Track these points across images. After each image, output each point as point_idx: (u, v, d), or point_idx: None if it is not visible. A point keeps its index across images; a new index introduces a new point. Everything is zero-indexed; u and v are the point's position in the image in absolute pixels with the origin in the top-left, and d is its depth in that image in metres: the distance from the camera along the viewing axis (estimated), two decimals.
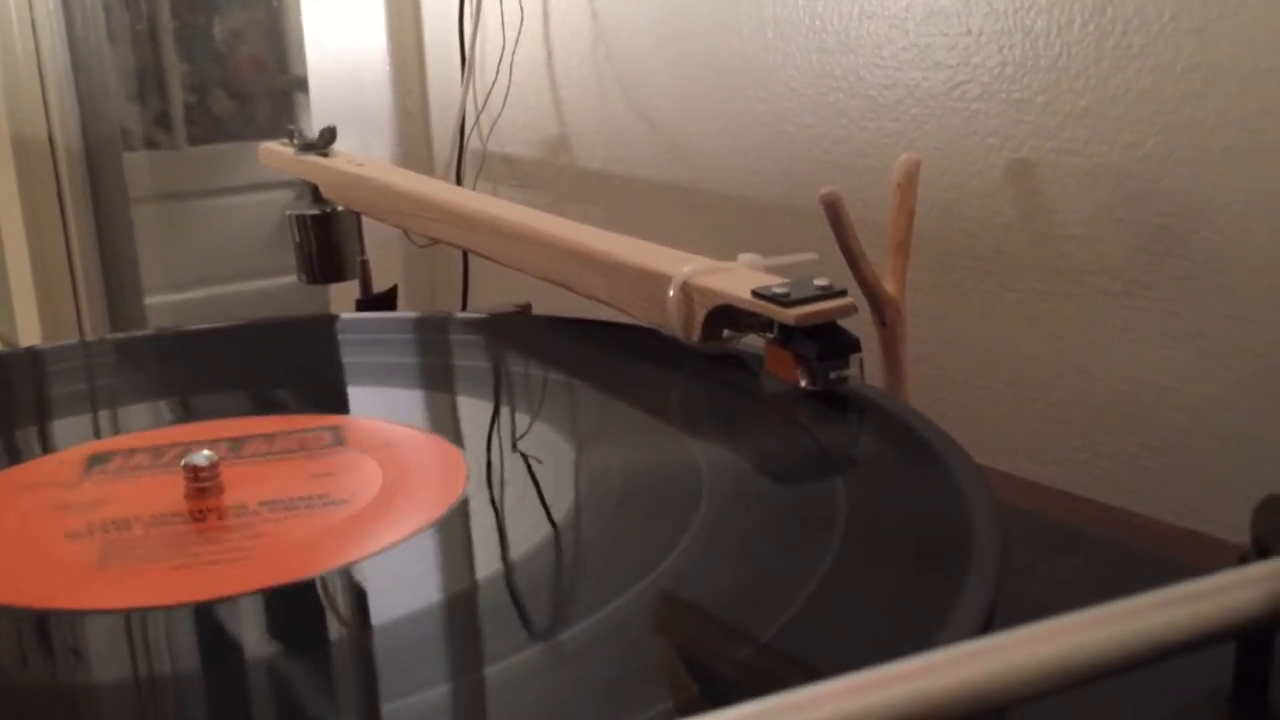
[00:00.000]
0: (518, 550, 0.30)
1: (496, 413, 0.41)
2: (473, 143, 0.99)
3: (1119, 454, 0.55)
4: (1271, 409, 0.49)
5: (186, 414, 0.42)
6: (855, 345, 0.38)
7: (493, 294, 0.94)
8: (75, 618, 0.27)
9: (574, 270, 0.49)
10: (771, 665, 0.25)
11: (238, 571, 0.29)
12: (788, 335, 0.39)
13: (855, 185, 0.65)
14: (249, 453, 0.36)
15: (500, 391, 0.44)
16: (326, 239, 0.70)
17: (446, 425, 0.40)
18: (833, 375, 0.38)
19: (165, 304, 1.73)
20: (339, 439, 0.37)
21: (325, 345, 0.51)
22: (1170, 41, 0.50)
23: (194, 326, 0.53)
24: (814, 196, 0.43)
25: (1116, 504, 0.42)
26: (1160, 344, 0.53)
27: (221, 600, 0.28)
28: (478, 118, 0.98)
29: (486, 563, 0.29)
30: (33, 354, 0.50)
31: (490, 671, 0.24)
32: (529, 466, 0.36)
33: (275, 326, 0.55)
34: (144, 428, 0.41)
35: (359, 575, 0.29)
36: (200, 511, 0.32)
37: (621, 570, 0.28)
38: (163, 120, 1.84)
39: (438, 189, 0.61)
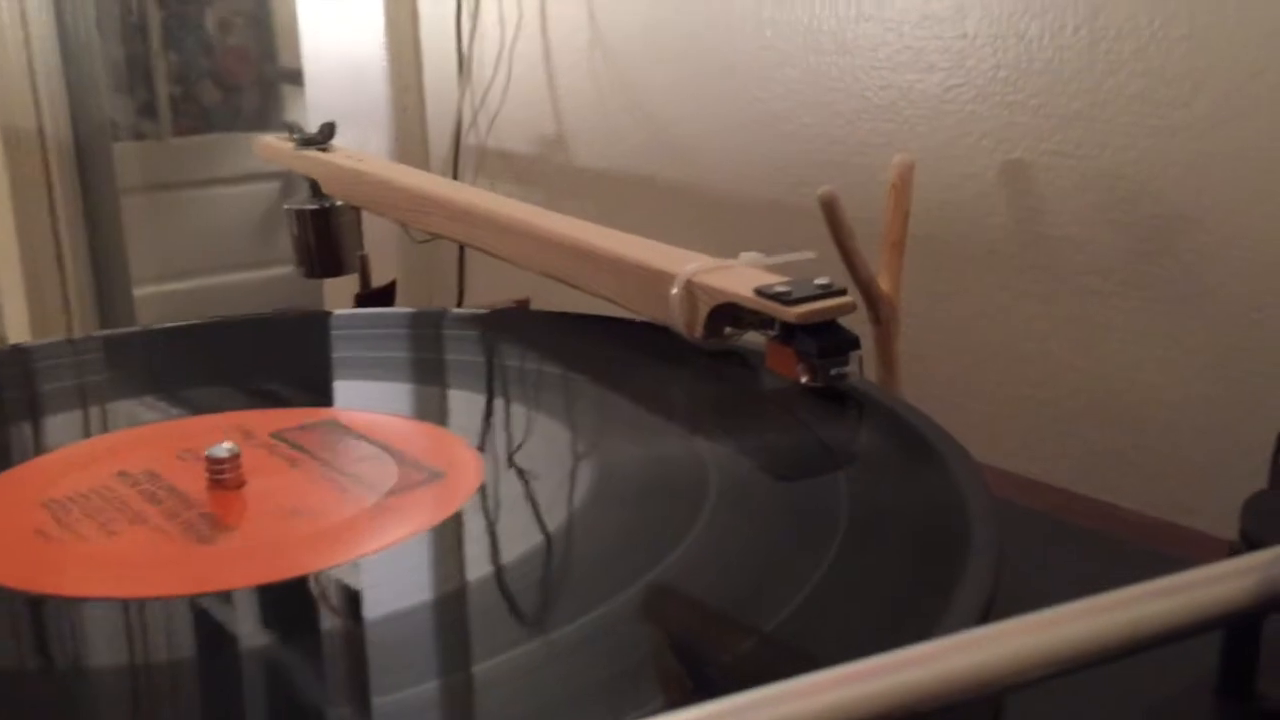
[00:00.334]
0: (528, 544, 0.31)
1: (507, 409, 0.42)
2: (469, 139, 1.00)
3: (1109, 450, 0.56)
4: (1253, 408, 0.50)
5: (192, 408, 0.43)
6: (855, 343, 0.39)
7: (489, 288, 0.95)
8: (75, 605, 0.28)
9: (577, 267, 0.49)
10: (773, 657, 0.25)
11: (241, 565, 0.29)
12: (789, 333, 0.40)
13: (851, 185, 0.66)
14: (259, 446, 0.37)
15: (502, 387, 0.45)
16: (325, 234, 0.70)
17: (457, 421, 0.40)
18: (833, 372, 0.39)
19: (154, 295, 1.73)
20: (345, 435, 0.38)
21: (341, 340, 0.51)
22: (1160, 48, 0.51)
23: (194, 321, 0.53)
24: (809, 195, 0.44)
25: (1106, 499, 0.44)
26: (1150, 343, 0.54)
27: (223, 593, 0.28)
28: (475, 115, 0.99)
29: (506, 551, 0.30)
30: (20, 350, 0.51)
31: (483, 668, 0.25)
32: (521, 474, 0.36)
33: (278, 323, 0.55)
34: (159, 420, 0.41)
35: (360, 572, 0.29)
36: (217, 502, 0.33)
37: (624, 565, 0.29)
38: (149, 110, 1.83)
39: (440, 185, 0.62)
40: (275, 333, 0.53)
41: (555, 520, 0.32)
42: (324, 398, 0.44)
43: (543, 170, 0.93)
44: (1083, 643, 0.21)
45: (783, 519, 0.32)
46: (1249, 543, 0.25)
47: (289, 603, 0.28)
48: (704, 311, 0.43)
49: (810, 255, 0.45)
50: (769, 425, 0.39)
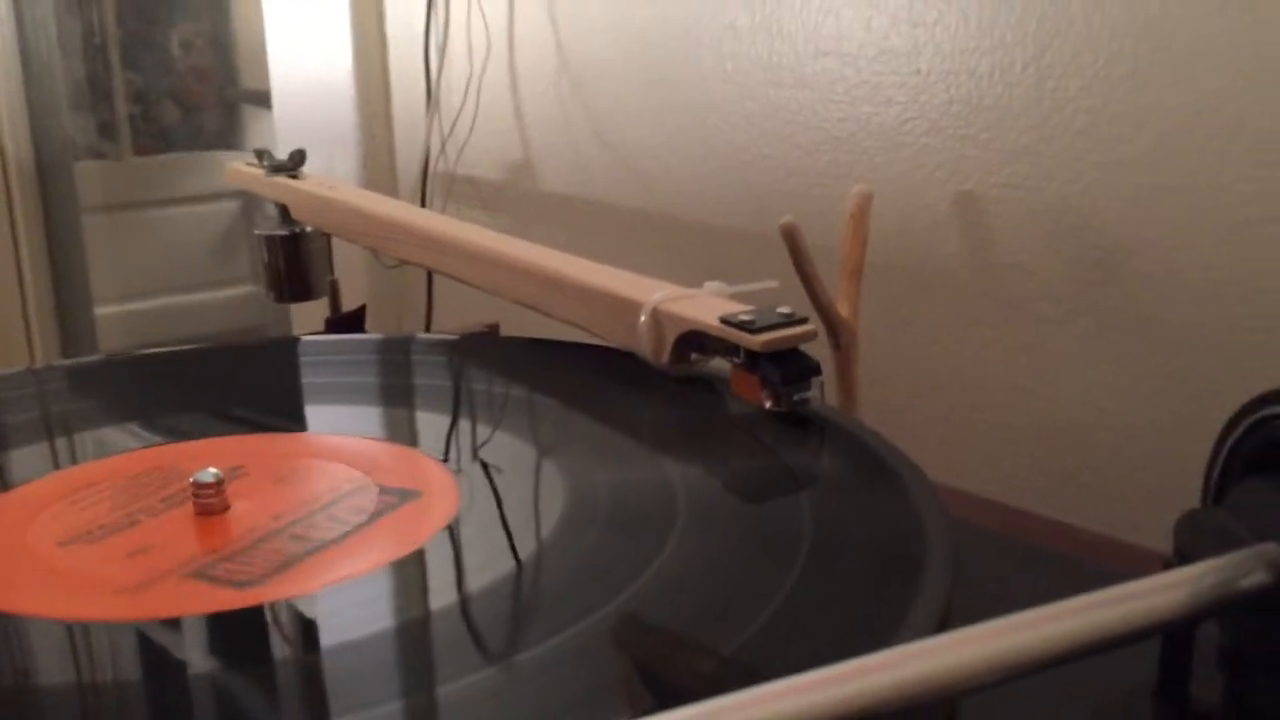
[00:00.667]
0: (499, 570, 0.32)
1: (474, 432, 0.43)
2: (438, 166, 1.01)
3: (1060, 470, 0.58)
4: (1193, 430, 0.53)
5: (179, 434, 0.44)
6: (816, 369, 0.41)
7: (456, 313, 0.96)
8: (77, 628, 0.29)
9: (547, 294, 0.51)
10: (736, 676, 0.27)
11: (220, 590, 0.31)
12: (753, 360, 0.41)
13: (810, 214, 0.68)
14: (242, 473, 0.38)
15: (473, 411, 0.46)
16: (296, 259, 0.71)
17: (428, 444, 0.41)
18: (796, 397, 0.40)
19: (115, 314, 1.72)
20: (321, 459, 0.39)
21: (318, 366, 0.52)
22: (1104, 85, 0.54)
23: (178, 348, 0.54)
24: (770, 223, 0.46)
25: (1055, 517, 0.46)
26: (1096, 368, 0.56)
27: (200, 617, 0.29)
28: (443, 142, 1.00)
29: (479, 575, 0.31)
30: None
31: (448, 690, 0.26)
32: (496, 487, 0.38)
33: (251, 348, 0.56)
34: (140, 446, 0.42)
35: (317, 604, 0.30)
36: (205, 527, 0.34)
37: (592, 587, 0.30)
38: (109, 130, 1.83)
39: (410, 212, 0.63)
40: (246, 357, 0.54)
41: (525, 544, 0.33)
42: (306, 423, 0.45)
43: (511, 197, 0.95)
44: (1031, 649, 0.23)
45: (749, 539, 0.33)
46: (1182, 557, 0.27)
47: (243, 629, 0.29)
48: (670, 339, 0.44)
49: (773, 284, 0.47)
50: (734, 449, 0.40)
